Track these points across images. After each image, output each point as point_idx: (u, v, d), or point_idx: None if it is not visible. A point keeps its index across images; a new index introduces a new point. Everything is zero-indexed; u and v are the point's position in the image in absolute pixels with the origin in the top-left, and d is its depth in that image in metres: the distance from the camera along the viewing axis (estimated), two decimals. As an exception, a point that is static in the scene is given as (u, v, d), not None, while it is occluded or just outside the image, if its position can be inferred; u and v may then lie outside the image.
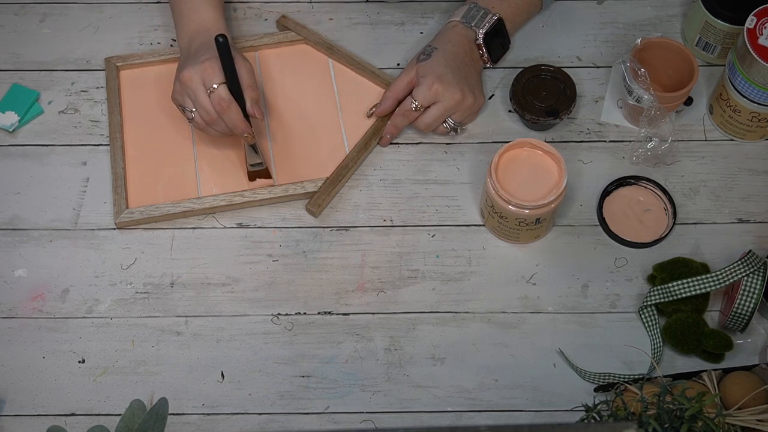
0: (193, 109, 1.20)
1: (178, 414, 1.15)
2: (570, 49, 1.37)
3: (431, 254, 1.24)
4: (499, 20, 1.30)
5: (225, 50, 1.16)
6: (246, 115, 1.20)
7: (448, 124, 1.28)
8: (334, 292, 1.22)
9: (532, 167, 1.19)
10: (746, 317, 1.15)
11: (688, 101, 1.30)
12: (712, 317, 1.20)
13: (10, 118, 1.31)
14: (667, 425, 0.98)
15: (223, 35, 1.15)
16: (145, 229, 1.25)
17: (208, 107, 1.19)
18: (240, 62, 1.20)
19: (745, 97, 1.24)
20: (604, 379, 1.16)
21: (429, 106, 1.26)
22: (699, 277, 1.16)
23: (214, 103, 1.18)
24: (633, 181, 1.27)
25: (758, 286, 1.14)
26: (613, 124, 1.32)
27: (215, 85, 1.17)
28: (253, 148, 1.23)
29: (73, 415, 1.15)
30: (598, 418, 1.04)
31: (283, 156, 1.29)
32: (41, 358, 1.18)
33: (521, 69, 1.30)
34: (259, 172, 1.26)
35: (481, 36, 1.29)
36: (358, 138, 1.29)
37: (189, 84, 1.19)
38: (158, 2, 1.40)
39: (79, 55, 1.36)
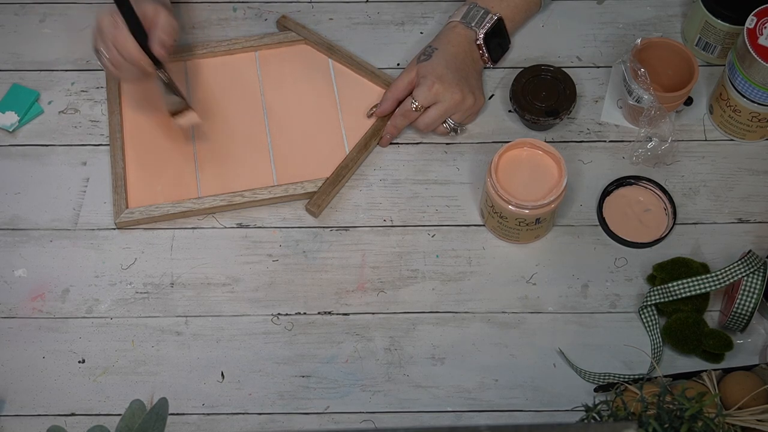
0: (106, 54, 1.20)
1: (178, 414, 1.15)
2: (570, 49, 1.37)
3: (431, 254, 1.24)
4: (499, 20, 1.30)
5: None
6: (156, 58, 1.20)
7: (448, 125, 1.28)
8: (334, 292, 1.22)
9: (532, 167, 1.19)
10: (746, 317, 1.15)
11: (688, 101, 1.30)
12: (712, 317, 1.20)
13: (10, 118, 1.31)
14: (667, 425, 0.98)
15: None
16: (145, 229, 1.25)
17: (107, 42, 1.19)
18: (159, 8, 1.19)
19: (745, 97, 1.24)
20: (604, 379, 1.16)
21: (429, 107, 1.26)
22: (699, 277, 1.16)
23: (121, 50, 1.18)
24: (633, 181, 1.27)
25: (758, 286, 1.14)
26: (613, 124, 1.32)
27: (120, 27, 1.18)
28: (167, 86, 1.22)
29: (73, 415, 1.15)
30: (598, 418, 1.04)
31: (283, 156, 1.29)
32: (41, 358, 1.18)
33: (521, 69, 1.30)
34: (180, 111, 1.24)
35: (481, 36, 1.29)
36: (358, 138, 1.29)
37: (100, 24, 1.19)
38: (158, 2, 1.41)
39: (79, 55, 1.36)
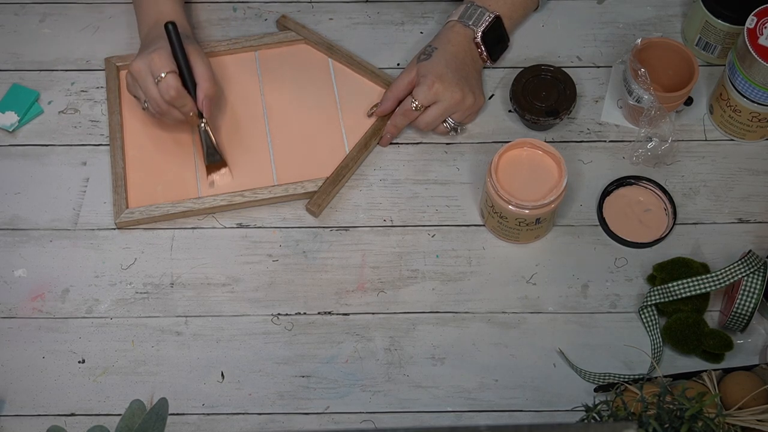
0: (146, 100, 1.21)
1: (178, 414, 1.15)
2: (570, 49, 1.37)
3: (431, 254, 1.24)
4: (497, 18, 1.30)
5: (174, 36, 1.16)
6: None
7: (448, 124, 1.28)
8: (334, 292, 1.22)
9: (532, 167, 1.19)
10: (746, 317, 1.15)
11: (688, 101, 1.30)
12: (712, 317, 1.20)
13: (10, 118, 1.31)
14: (667, 425, 0.98)
15: (172, 22, 1.16)
16: (145, 229, 1.25)
17: (156, 97, 1.19)
18: (195, 55, 1.20)
19: (745, 97, 1.24)
20: (604, 379, 1.16)
21: (429, 106, 1.26)
22: (699, 277, 1.16)
23: (163, 92, 1.18)
24: (633, 181, 1.27)
25: (758, 286, 1.14)
26: (613, 124, 1.32)
27: (163, 74, 1.18)
28: (207, 137, 1.23)
29: (73, 415, 1.15)
30: (598, 418, 1.04)
31: (283, 156, 1.29)
32: (41, 358, 1.18)
33: (521, 69, 1.30)
34: (216, 166, 1.26)
35: (479, 34, 1.29)
36: (358, 138, 1.29)
37: (138, 75, 1.19)
38: (158, 2, 1.40)
39: (79, 55, 1.36)
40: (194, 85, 1.21)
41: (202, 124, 1.23)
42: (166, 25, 1.17)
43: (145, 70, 1.19)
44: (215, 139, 1.25)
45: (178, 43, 1.18)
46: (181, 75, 1.20)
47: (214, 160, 1.25)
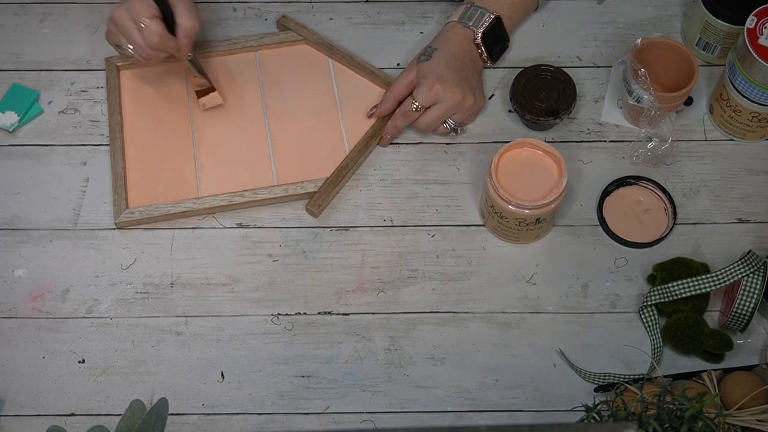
0: (130, 46, 1.21)
1: (178, 414, 1.15)
2: (570, 49, 1.37)
3: (431, 254, 1.24)
4: (497, 18, 1.30)
5: None
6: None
7: (449, 125, 1.28)
8: (334, 292, 1.22)
9: (532, 167, 1.19)
10: (746, 317, 1.15)
11: (688, 101, 1.30)
12: (712, 317, 1.20)
13: (10, 118, 1.31)
14: (667, 425, 0.98)
15: None
16: (145, 229, 1.25)
17: (141, 43, 1.20)
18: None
19: (745, 97, 1.24)
20: (604, 379, 1.16)
21: (429, 107, 1.26)
22: (699, 277, 1.16)
23: (147, 38, 1.19)
24: (633, 181, 1.27)
25: (758, 286, 1.14)
26: (613, 124, 1.32)
27: (145, 21, 1.18)
28: (195, 66, 1.26)
29: (73, 415, 1.15)
30: (598, 418, 1.04)
31: (283, 156, 1.29)
32: (41, 358, 1.18)
33: (521, 69, 1.30)
34: (205, 91, 1.29)
35: (479, 35, 1.29)
36: (358, 138, 1.29)
37: (119, 22, 1.20)
38: (158, 2, 1.40)
39: (79, 55, 1.36)
40: (172, 23, 1.22)
41: (187, 59, 1.26)
42: None
43: (126, 16, 1.19)
44: (201, 67, 1.28)
45: None
46: (163, 16, 1.20)
47: (203, 85, 1.29)
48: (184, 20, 1.22)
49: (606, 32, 1.38)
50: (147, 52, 1.21)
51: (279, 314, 1.21)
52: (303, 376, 1.17)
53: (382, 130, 1.29)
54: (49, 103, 1.33)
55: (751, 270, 1.14)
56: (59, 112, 1.33)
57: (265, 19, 1.39)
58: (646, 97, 1.23)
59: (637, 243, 1.24)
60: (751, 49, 1.19)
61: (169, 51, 1.23)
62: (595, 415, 1.04)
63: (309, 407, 1.16)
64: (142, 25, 1.19)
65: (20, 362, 1.18)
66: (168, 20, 1.21)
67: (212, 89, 1.29)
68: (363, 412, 1.16)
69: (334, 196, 1.27)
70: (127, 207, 1.25)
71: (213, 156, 1.29)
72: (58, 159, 1.29)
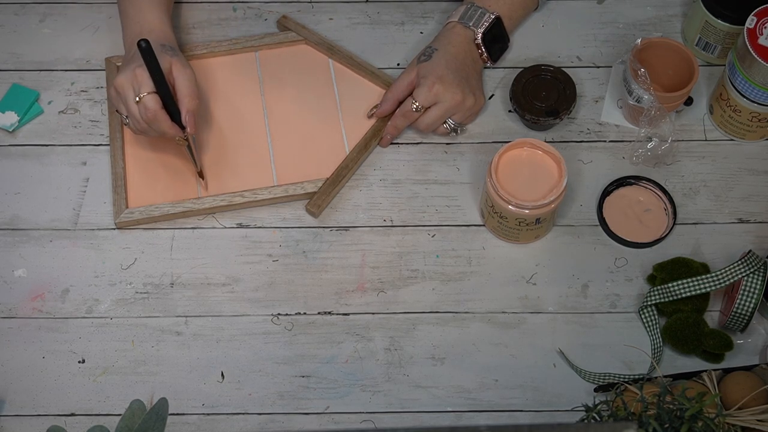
0: (126, 115, 1.20)
1: (178, 414, 1.15)
2: (570, 49, 1.37)
3: (431, 254, 1.24)
4: (497, 19, 1.30)
5: (148, 55, 1.13)
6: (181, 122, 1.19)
7: (449, 125, 1.28)
8: (334, 292, 1.22)
9: (532, 167, 1.19)
10: (746, 317, 1.15)
11: (688, 101, 1.30)
12: (712, 317, 1.20)
13: (10, 118, 1.31)
14: (667, 425, 0.98)
15: (145, 40, 1.12)
16: (145, 229, 1.25)
17: (136, 115, 1.18)
18: (179, 69, 1.18)
19: (745, 97, 1.24)
20: (604, 379, 1.16)
21: (429, 107, 1.26)
22: (699, 277, 1.16)
23: (141, 112, 1.17)
24: (633, 181, 1.27)
25: (758, 286, 1.14)
26: (613, 124, 1.32)
27: (143, 94, 1.16)
28: (190, 151, 1.23)
29: (73, 415, 1.15)
30: (598, 418, 1.04)
31: (283, 156, 1.29)
32: (41, 358, 1.18)
33: (521, 69, 1.30)
34: (200, 173, 1.26)
35: (479, 35, 1.29)
36: (358, 138, 1.29)
37: (120, 90, 1.18)
38: (158, 2, 1.40)
39: (79, 55, 1.36)
40: (172, 101, 1.18)
41: (186, 140, 1.21)
42: (138, 44, 1.12)
43: (128, 86, 1.17)
44: (195, 154, 1.24)
45: (154, 63, 1.14)
46: (160, 93, 1.17)
47: (197, 169, 1.25)
48: (186, 98, 1.18)
49: (606, 32, 1.38)
50: (141, 125, 1.18)
51: (279, 314, 1.21)
52: (303, 376, 1.17)
53: (382, 130, 1.29)
54: (49, 103, 1.33)
55: (751, 270, 1.14)
56: (59, 112, 1.33)
57: (265, 19, 1.39)
58: (646, 97, 1.23)
59: (637, 243, 1.24)
60: (751, 49, 1.19)
61: (159, 131, 1.19)
62: (595, 415, 1.04)
63: (309, 407, 1.16)
64: (140, 96, 1.16)
65: (20, 362, 1.18)
66: (167, 103, 1.18)
67: (201, 176, 1.25)
68: (363, 412, 1.16)
69: (334, 197, 1.27)
70: (127, 207, 1.25)
71: (213, 156, 1.29)
72: (58, 159, 1.29)
